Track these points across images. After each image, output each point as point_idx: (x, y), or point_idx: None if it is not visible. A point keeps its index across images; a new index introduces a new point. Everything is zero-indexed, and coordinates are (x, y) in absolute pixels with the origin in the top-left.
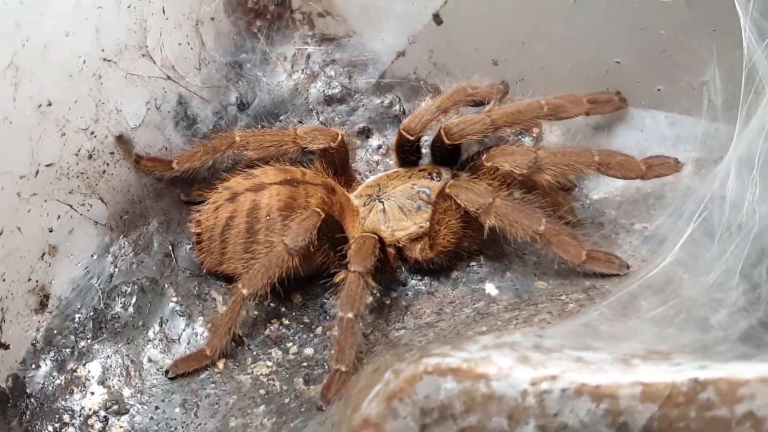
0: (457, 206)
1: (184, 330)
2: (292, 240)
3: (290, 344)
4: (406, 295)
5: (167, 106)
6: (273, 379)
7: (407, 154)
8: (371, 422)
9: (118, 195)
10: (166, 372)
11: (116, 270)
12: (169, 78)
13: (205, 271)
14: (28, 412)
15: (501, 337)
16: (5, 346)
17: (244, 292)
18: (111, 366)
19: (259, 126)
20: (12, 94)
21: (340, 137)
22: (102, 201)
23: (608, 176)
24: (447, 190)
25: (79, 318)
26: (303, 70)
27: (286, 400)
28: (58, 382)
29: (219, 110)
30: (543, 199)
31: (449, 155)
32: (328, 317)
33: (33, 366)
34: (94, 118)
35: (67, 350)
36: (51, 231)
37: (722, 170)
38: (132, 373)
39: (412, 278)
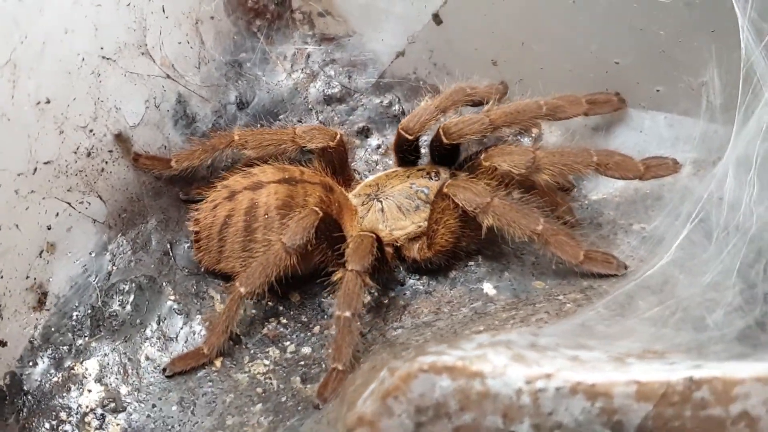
0: (455, 206)
1: (181, 328)
2: (290, 238)
3: (288, 343)
4: (404, 294)
5: (166, 105)
6: (270, 378)
7: (406, 153)
8: (366, 420)
9: (116, 193)
10: (164, 370)
11: (114, 268)
12: (168, 77)
13: (203, 269)
14: (25, 410)
15: (497, 336)
16: (3, 344)
17: (242, 290)
18: (108, 364)
19: (258, 125)
20: (10, 91)
21: (338, 136)
22: (100, 199)
23: (606, 176)
24: (445, 190)
25: (76, 316)
26: (302, 70)
27: (283, 399)
28: (55, 379)
29: (218, 109)
30: (541, 199)
31: (448, 155)
32: (325, 316)
33: (30, 363)
34: (93, 116)
35: (65, 348)
36: (49, 229)
37: (720, 171)
38: (129, 371)
39: (410, 278)
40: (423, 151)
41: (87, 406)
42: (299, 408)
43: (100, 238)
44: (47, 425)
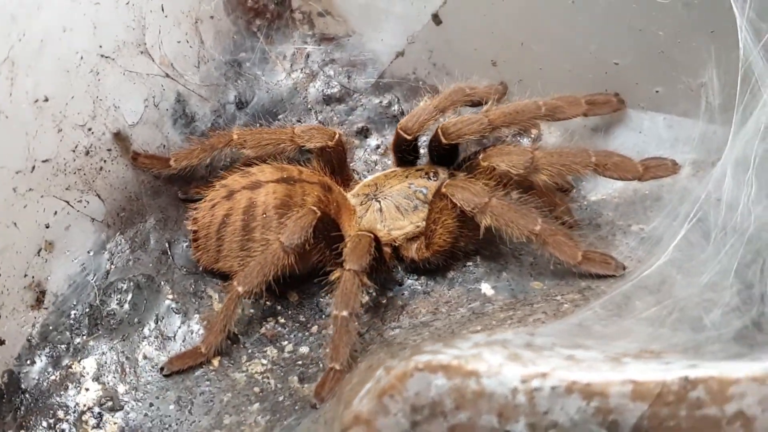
0: (454, 206)
1: (179, 327)
2: (288, 238)
3: (285, 342)
4: (403, 294)
5: (165, 104)
6: (268, 377)
7: (405, 153)
8: (362, 419)
9: (115, 192)
10: (161, 369)
11: (112, 267)
12: (167, 76)
13: (201, 268)
14: (22, 408)
15: (493, 335)
16: (1, 342)
17: (240, 289)
18: (106, 362)
19: (258, 125)
20: (8, 88)
21: (337, 136)
22: (99, 198)
23: (605, 177)
24: (443, 190)
25: (74, 314)
26: (302, 70)
27: (281, 398)
28: (53, 378)
29: (217, 108)
30: (540, 199)
31: (446, 155)
32: (323, 316)
33: (28, 362)
34: (92, 115)
35: (63, 346)
36: (47, 227)
37: (718, 171)
38: (127, 369)
39: (408, 278)
40: (422, 151)
41: (84, 405)
42: (296, 407)
43: (99, 237)
44: (45, 423)
